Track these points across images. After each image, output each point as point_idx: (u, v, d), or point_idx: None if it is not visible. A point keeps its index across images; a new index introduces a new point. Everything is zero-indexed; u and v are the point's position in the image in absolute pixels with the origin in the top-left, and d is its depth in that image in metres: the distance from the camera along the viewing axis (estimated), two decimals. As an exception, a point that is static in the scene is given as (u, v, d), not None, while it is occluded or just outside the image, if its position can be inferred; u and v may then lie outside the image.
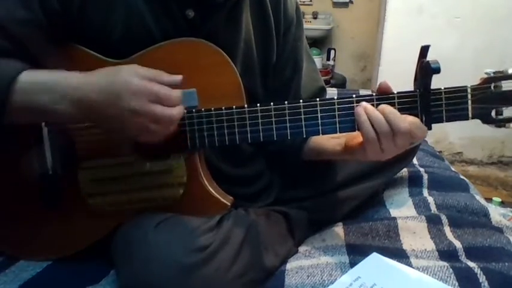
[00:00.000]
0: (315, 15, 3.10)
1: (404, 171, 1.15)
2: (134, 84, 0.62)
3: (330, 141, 0.83)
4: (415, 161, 1.23)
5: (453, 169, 1.28)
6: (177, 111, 0.65)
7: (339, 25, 3.16)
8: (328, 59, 3.15)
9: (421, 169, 1.19)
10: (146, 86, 0.63)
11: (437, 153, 1.44)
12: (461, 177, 1.19)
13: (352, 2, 3.10)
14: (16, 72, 0.64)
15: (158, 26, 0.73)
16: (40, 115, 0.67)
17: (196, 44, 0.73)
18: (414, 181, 1.13)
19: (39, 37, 0.69)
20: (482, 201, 1.02)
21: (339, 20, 3.15)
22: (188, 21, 0.74)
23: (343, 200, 0.96)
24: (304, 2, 3.12)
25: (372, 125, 0.67)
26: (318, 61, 3.03)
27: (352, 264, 0.79)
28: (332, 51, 3.15)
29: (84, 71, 0.70)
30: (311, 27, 2.99)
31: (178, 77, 0.66)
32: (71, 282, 0.77)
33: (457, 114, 0.67)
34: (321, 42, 3.17)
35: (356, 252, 0.82)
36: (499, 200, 1.96)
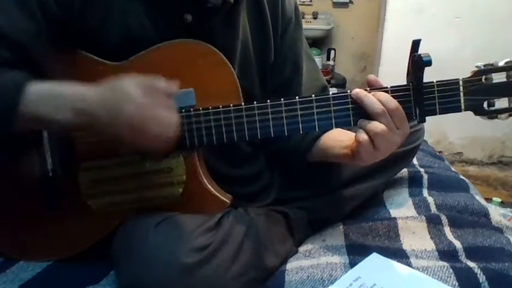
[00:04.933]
0: (315, 15, 3.09)
1: (404, 171, 1.15)
2: (133, 97, 0.63)
3: (338, 144, 0.82)
4: (415, 161, 1.23)
5: (453, 169, 1.28)
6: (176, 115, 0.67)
7: (339, 25, 3.15)
8: (328, 59, 3.14)
9: (421, 169, 1.19)
10: (145, 93, 0.64)
11: (437, 153, 1.44)
12: (461, 177, 1.19)
13: (352, 2, 3.10)
14: (23, 85, 0.64)
15: (156, 29, 0.74)
16: (43, 124, 0.68)
17: (192, 45, 0.74)
18: (414, 181, 1.13)
19: (41, 44, 0.69)
20: (482, 201, 1.02)
21: (339, 20, 3.14)
22: (186, 25, 0.74)
23: (343, 200, 0.96)
24: (304, 2, 3.11)
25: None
26: (318, 61, 3.02)
27: (352, 264, 0.79)
28: (332, 51, 3.14)
29: (84, 74, 0.70)
30: (311, 27, 2.98)
31: (174, 85, 0.68)
32: (71, 283, 0.77)
33: (450, 106, 0.69)
34: (321, 42, 3.17)
35: (356, 252, 0.82)
36: (499, 200, 1.96)
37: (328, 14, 3.12)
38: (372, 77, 0.70)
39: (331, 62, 3.13)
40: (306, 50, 0.94)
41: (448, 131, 2.48)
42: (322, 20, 3.09)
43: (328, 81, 2.99)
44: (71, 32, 0.72)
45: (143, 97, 0.63)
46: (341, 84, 3.04)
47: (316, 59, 3.25)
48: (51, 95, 0.64)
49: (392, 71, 2.41)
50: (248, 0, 0.81)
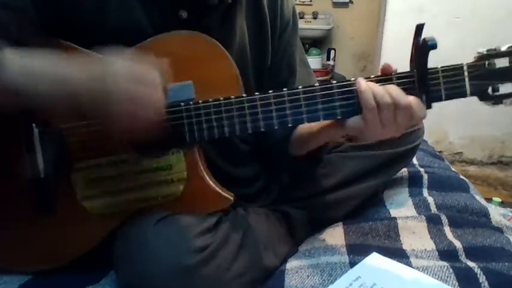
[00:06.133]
0: (315, 15, 3.09)
1: (404, 171, 1.15)
2: (125, 71, 0.60)
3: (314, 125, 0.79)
4: (415, 161, 1.23)
5: (453, 169, 1.28)
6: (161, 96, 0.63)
7: (339, 25, 3.15)
8: (328, 59, 3.14)
9: (421, 169, 1.19)
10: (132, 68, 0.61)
11: (437, 153, 1.44)
12: (461, 177, 1.19)
13: (352, 2, 3.10)
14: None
15: (152, 24, 0.73)
16: (21, 98, 0.60)
17: (192, 36, 0.72)
18: (414, 181, 1.13)
19: (26, 25, 0.67)
20: (482, 201, 1.02)
21: (339, 20, 3.14)
22: (181, 21, 0.73)
23: (343, 199, 0.96)
24: (304, 2, 3.12)
25: (374, 96, 0.66)
26: (318, 61, 3.02)
27: (352, 264, 0.79)
28: (332, 51, 3.14)
29: None
30: (311, 27, 2.98)
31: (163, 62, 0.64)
32: (71, 282, 0.76)
33: (456, 91, 0.67)
34: (321, 42, 3.17)
35: (356, 252, 0.82)
36: (499, 200, 1.95)
37: (328, 14, 3.12)
38: (386, 65, 0.69)
39: (331, 62, 3.13)
40: (300, 56, 0.93)
41: (448, 130, 2.48)
42: (322, 20, 3.09)
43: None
44: (64, 20, 0.70)
45: (128, 76, 0.60)
46: (341, 84, 3.04)
47: (316, 59, 3.21)
48: (32, 66, 0.60)
49: (393, 71, 2.42)
50: (248, 5, 0.81)
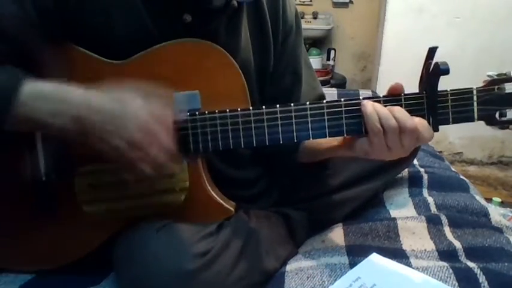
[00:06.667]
0: (315, 15, 3.10)
1: (404, 172, 1.15)
2: (142, 120, 0.61)
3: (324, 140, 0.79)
4: (415, 161, 1.23)
5: (453, 169, 1.28)
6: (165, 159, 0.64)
7: (339, 25, 3.16)
8: (328, 59, 3.15)
9: (421, 169, 1.19)
10: (152, 125, 0.62)
11: (437, 153, 1.44)
12: (461, 177, 1.19)
13: (352, 2, 3.10)
14: (20, 83, 0.60)
15: (157, 27, 0.72)
16: (38, 127, 0.64)
17: (200, 45, 0.71)
18: (414, 181, 1.13)
19: (32, 35, 0.67)
20: (482, 201, 1.02)
21: (339, 20, 3.15)
22: (185, 25, 0.73)
23: (344, 201, 0.96)
24: (304, 2, 3.12)
25: (379, 120, 0.65)
26: (318, 61, 3.03)
27: (352, 265, 0.79)
28: (332, 51, 3.15)
29: (84, 72, 0.69)
30: (311, 27, 2.99)
31: (183, 118, 0.67)
32: (71, 283, 0.77)
33: (463, 116, 0.68)
34: (321, 42, 3.17)
35: (356, 253, 0.82)
36: (499, 200, 1.96)
37: (328, 14, 3.12)
38: (397, 85, 0.68)
39: (331, 62, 3.14)
40: (305, 58, 0.93)
41: (448, 131, 2.48)
42: (322, 20, 3.10)
43: (328, 81, 3.00)
44: (70, 27, 0.70)
45: (147, 119, 0.62)
46: (341, 84, 3.05)
47: (316, 59, 3.21)
48: (50, 98, 0.61)
49: (392, 70, 2.42)
50: (249, 8, 0.80)
